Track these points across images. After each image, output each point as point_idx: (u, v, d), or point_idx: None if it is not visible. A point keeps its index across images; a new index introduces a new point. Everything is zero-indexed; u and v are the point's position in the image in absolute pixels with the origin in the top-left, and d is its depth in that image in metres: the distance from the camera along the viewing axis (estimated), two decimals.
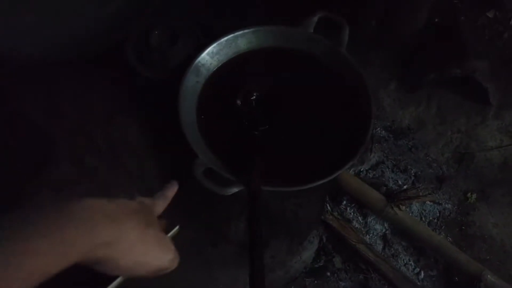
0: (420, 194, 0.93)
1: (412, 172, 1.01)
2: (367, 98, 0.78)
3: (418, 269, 0.90)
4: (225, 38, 0.86)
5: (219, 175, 0.73)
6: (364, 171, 0.99)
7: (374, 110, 0.78)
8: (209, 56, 0.85)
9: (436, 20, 1.23)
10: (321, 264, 0.90)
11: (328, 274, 0.89)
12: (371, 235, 0.92)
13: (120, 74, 0.87)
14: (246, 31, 0.86)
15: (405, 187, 0.96)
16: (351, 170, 0.97)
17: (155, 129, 0.89)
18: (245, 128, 0.80)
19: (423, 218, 0.96)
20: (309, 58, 0.86)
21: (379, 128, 1.07)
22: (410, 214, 0.95)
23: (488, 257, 0.92)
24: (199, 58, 0.84)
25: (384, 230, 0.93)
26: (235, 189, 0.71)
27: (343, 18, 0.84)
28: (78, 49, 0.84)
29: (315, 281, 0.89)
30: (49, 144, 0.93)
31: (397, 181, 0.99)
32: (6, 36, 0.85)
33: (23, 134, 0.92)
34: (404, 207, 0.91)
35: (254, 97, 0.82)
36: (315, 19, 0.86)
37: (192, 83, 0.83)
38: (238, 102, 0.81)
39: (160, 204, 0.50)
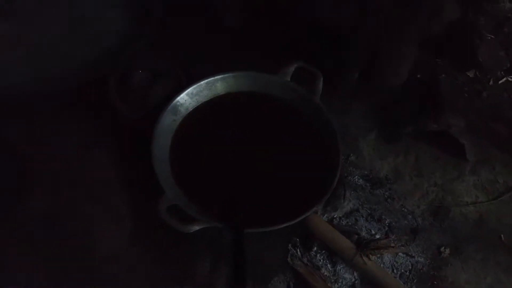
0: (392, 245, 0.93)
1: (386, 222, 1.01)
2: (336, 146, 0.80)
3: None
4: (206, 80, 0.90)
5: (183, 213, 0.74)
6: (338, 218, 0.99)
7: (341, 158, 0.80)
8: (188, 97, 0.89)
9: (418, 76, 1.27)
10: None
11: None
12: (339, 284, 0.91)
13: (100, 108, 0.90)
14: (226, 75, 0.91)
15: (377, 236, 0.96)
16: (324, 217, 0.97)
17: (128, 163, 0.90)
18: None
19: (395, 270, 0.95)
20: (283, 104, 0.89)
21: (356, 176, 1.08)
22: (382, 265, 0.94)
23: None
24: (178, 98, 0.87)
25: (353, 280, 0.92)
26: (196, 227, 0.71)
27: (317, 69, 0.88)
28: (62, 81, 0.88)
29: None
30: (29, 173, 0.94)
31: (370, 230, 0.98)
32: None
33: (5, 164, 0.94)
34: (374, 257, 0.91)
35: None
36: (292, 68, 0.90)
37: (169, 121, 0.86)
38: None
39: None
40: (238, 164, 0.83)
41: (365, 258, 0.89)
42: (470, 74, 1.30)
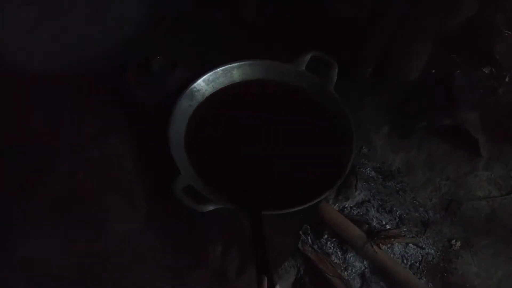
0: (402, 234, 0.93)
1: (397, 213, 1.01)
2: (349, 133, 0.81)
3: None
4: (222, 67, 0.91)
5: (198, 193, 0.76)
6: (349, 208, 1.00)
7: (355, 144, 0.81)
8: (205, 83, 0.90)
9: (433, 71, 1.27)
10: None
11: None
12: (349, 271, 0.92)
13: (119, 93, 0.93)
14: (242, 63, 0.92)
15: (388, 227, 0.96)
16: (336, 206, 0.98)
17: (145, 147, 0.92)
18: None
19: (405, 261, 0.95)
20: (298, 92, 0.90)
21: (368, 168, 1.09)
22: (392, 255, 0.94)
23: None
24: (195, 84, 0.89)
25: (363, 268, 0.92)
26: (211, 207, 0.73)
27: (333, 58, 0.89)
28: (83, 67, 0.91)
29: None
30: (47, 156, 0.96)
31: (381, 221, 0.99)
32: (20, 51, 0.93)
33: (23, 144, 0.96)
34: (384, 247, 0.91)
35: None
36: (308, 57, 0.91)
37: (185, 106, 0.88)
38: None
39: None
40: (253, 149, 0.84)
41: (375, 247, 0.90)
42: (486, 70, 1.29)
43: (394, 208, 1.02)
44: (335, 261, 0.92)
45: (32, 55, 0.91)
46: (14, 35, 0.89)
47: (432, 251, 0.98)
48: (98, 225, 0.91)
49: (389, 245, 0.94)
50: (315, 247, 0.92)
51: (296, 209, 0.73)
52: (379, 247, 0.90)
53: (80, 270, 0.86)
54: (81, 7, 0.84)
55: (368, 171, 1.08)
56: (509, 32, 1.28)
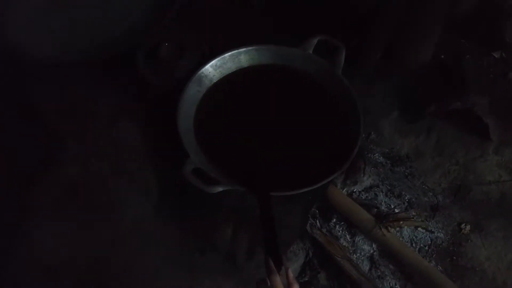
0: (411, 217, 0.93)
1: (406, 198, 1.01)
2: (356, 115, 0.81)
3: None
4: (229, 53, 0.92)
5: (207, 176, 0.77)
6: (357, 192, 1.00)
7: (362, 127, 0.81)
8: (213, 68, 0.91)
9: (442, 56, 1.26)
10: (306, 279, 0.90)
11: None
12: (358, 254, 0.92)
13: (128, 80, 0.94)
14: (249, 48, 0.93)
15: (396, 211, 0.96)
16: (344, 190, 0.99)
17: (155, 132, 0.94)
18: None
19: (414, 245, 0.96)
20: (305, 76, 0.91)
21: (377, 154, 1.09)
22: (401, 239, 0.94)
23: None
24: (203, 69, 0.90)
25: (371, 251, 0.93)
26: (220, 188, 0.74)
27: (340, 41, 0.89)
28: (93, 54, 0.92)
29: None
30: (58, 144, 0.97)
31: (390, 205, 0.99)
32: (32, 40, 0.94)
33: (35, 132, 0.97)
34: (393, 230, 0.91)
35: None
36: (315, 41, 0.91)
37: (194, 91, 0.89)
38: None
39: None
40: (261, 132, 0.85)
41: (384, 230, 0.90)
42: (496, 55, 1.28)
43: (403, 193, 1.02)
44: (344, 244, 0.92)
45: (43, 44, 0.93)
46: (26, 25, 0.90)
47: (442, 234, 0.98)
48: (109, 211, 0.92)
49: (397, 229, 0.94)
50: (324, 230, 0.92)
51: (304, 190, 0.74)
52: (388, 230, 0.90)
53: (91, 254, 0.88)
54: None
55: (377, 157, 1.08)
56: None
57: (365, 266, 0.91)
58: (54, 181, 0.93)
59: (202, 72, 0.89)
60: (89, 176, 0.95)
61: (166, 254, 0.91)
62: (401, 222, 0.91)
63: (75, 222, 0.89)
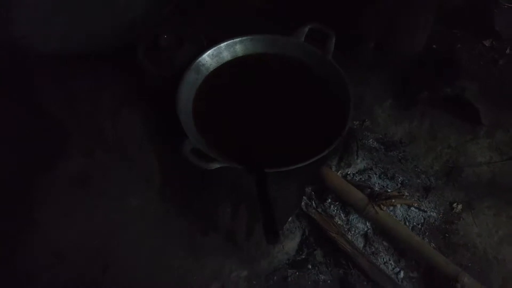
0: (403, 196, 0.97)
1: (399, 180, 1.05)
2: (347, 95, 0.85)
3: (398, 269, 0.92)
4: (225, 43, 0.97)
5: (204, 155, 0.81)
6: (351, 174, 1.04)
7: (352, 105, 0.85)
8: (209, 58, 0.96)
9: (434, 46, 1.30)
10: (303, 256, 0.93)
11: (309, 266, 0.92)
12: (352, 232, 0.96)
13: (129, 71, 0.99)
14: (243, 38, 0.98)
15: (389, 191, 1.00)
16: (338, 172, 1.03)
17: (156, 120, 0.98)
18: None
19: (407, 223, 0.99)
20: (298, 63, 0.95)
21: (371, 140, 1.12)
22: (394, 218, 0.98)
23: (469, 264, 0.93)
24: (200, 58, 0.95)
25: (365, 229, 0.96)
26: (217, 165, 0.78)
27: (330, 28, 0.93)
28: (96, 47, 0.97)
29: (297, 273, 0.92)
30: (64, 136, 1.01)
31: (383, 187, 1.02)
32: (37, 34, 0.99)
33: (41, 125, 1.02)
34: (385, 208, 0.95)
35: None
36: (306, 29, 0.96)
37: (192, 79, 0.94)
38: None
39: None
40: (255, 114, 0.90)
41: (376, 208, 0.93)
42: (487, 43, 1.32)
43: (396, 175, 1.05)
44: (339, 222, 0.96)
45: (48, 37, 0.98)
46: (30, 19, 0.95)
47: (434, 213, 1.01)
48: (114, 198, 0.96)
49: (391, 208, 0.97)
50: (319, 210, 0.96)
51: (297, 166, 0.78)
52: (380, 208, 0.93)
53: (98, 239, 0.92)
54: None
55: (371, 142, 1.11)
56: (509, 5, 1.31)
57: (360, 243, 0.95)
58: (62, 172, 0.97)
59: (200, 61, 0.94)
60: (94, 166, 0.99)
61: (171, 235, 0.94)
62: (393, 201, 0.95)
63: (82, 209, 0.94)
